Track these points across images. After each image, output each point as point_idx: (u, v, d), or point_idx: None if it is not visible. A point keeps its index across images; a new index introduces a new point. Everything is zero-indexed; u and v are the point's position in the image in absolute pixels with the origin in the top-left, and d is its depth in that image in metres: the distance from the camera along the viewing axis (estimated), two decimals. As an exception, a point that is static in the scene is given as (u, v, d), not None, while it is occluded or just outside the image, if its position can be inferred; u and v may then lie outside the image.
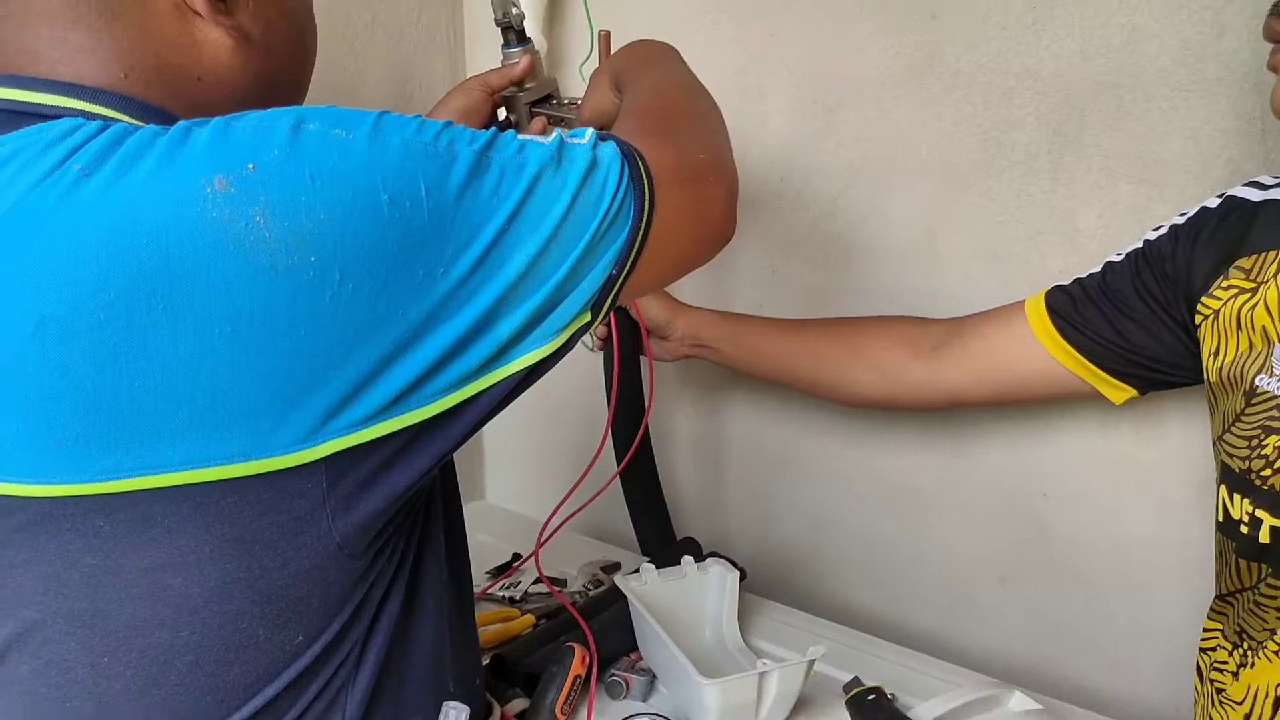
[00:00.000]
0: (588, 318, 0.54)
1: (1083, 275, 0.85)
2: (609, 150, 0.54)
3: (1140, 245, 0.81)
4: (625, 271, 0.54)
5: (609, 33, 0.97)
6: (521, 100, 0.95)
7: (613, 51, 1.00)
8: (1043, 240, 0.96)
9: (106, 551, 0.45)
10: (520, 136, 0.52)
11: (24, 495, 0.44)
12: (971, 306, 0.94)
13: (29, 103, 0.51)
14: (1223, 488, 0.74)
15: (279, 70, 0.60)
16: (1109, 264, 0.83)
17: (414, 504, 0.59)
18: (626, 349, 1.05)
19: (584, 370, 1.15)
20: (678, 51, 0.82)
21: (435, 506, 0.63)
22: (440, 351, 0.48)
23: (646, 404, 1.06)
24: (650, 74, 0.77)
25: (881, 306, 1.08)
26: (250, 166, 0.44)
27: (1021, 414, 1.01)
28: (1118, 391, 0.83)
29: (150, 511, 0.45)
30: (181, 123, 0.46)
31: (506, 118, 0.96)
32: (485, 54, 1.38)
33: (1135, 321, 0.80)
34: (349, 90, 1.23)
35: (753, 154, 1.15)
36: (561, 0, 1.27)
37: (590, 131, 0.55)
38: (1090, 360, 0.82)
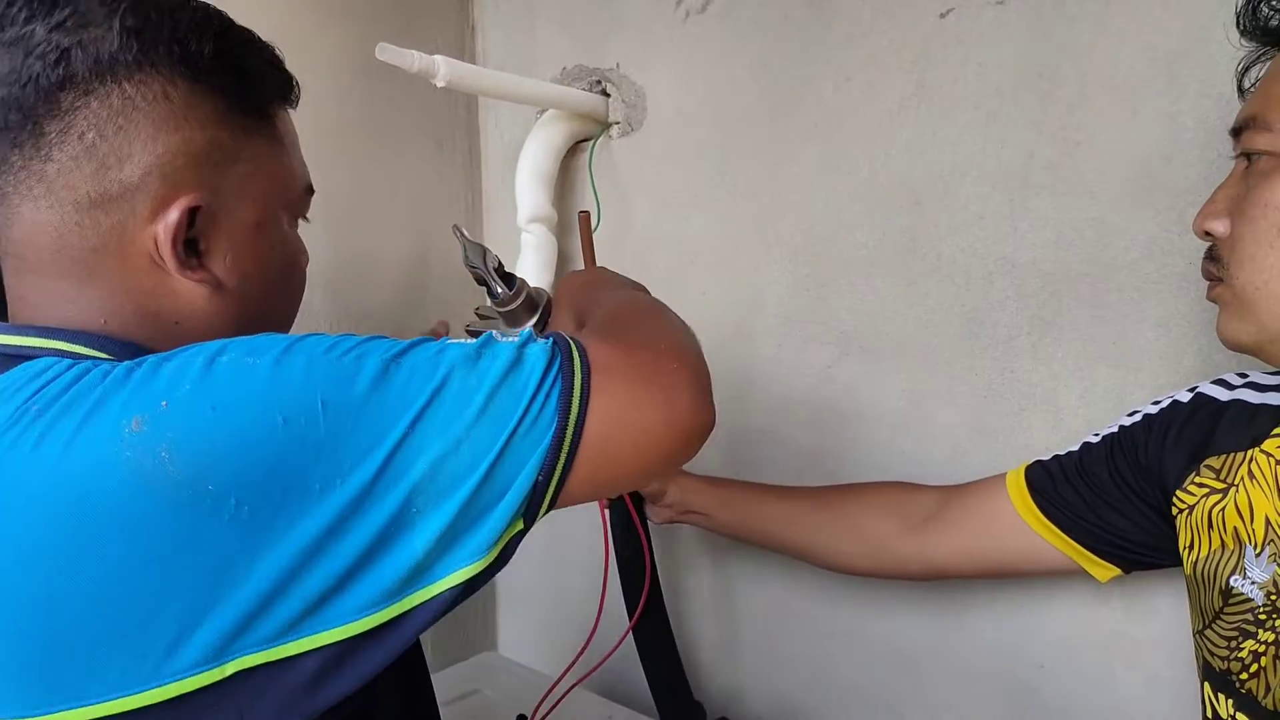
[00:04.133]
0: (520, 526, 0.51)
1: (1061, 453, 0.87)
2: (538, 348, 0.52)
3: (1115, 430, 0.84)
4: (559, 475, 0.50)
5: (589, 213, 1.03)
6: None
7: (592, 227, 1.05)
8: (1026, 416, 0.99)
9: None
10: (451, 340, 0.52)
11: None
12: (961, 475, 0.97)
13: (17, 345, 0.54)
14: (1206, 685, 0.75)
15: (257, 312, 0.62)
16: (1086, 445, 0.86)
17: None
18: (622, 512, 1.08)
19: (594, 519, 1.18)
20: (614, 273, 0.85)
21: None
22: (347, 564, 0.47)
23: (647, 565, 1.08)
24: (607, 295, 0.76)
25: (874, 471, 1.10)
26: (163, 404, 0.45)
27: (1015, 584, 1.02)
28: (1102, 570, 0.85)
29: None
30: (128, 362, 0.49)
31: None
32: (503, 222, 1.47)
33: (1111, 505, 0.82)
34: (370, 262, 1.30)
35: (750, 320, 1.21)
36: (570, 174, 1.36)
37: (529, 330, 0.54)
38: (1072, 538, 0.84)
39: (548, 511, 0.52)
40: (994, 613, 1.05)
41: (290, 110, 0.65)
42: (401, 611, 0.49)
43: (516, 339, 0.52)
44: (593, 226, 1.32)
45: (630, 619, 1.09)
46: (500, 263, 0.89)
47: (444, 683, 1.26)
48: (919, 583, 1.09)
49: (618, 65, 1.30)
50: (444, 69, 1.05)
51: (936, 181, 1.03)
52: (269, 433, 0.46)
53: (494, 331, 0.54)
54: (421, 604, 0.49)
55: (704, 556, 1.30)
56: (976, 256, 1.01)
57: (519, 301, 0.89)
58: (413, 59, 1.02)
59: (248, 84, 0.59)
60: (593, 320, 0.69)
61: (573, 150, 1.34)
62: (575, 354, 0.52)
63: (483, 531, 0.49)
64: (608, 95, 1.31)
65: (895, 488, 1.00)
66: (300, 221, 0.68)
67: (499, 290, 0.88)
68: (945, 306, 1.04)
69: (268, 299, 0.63)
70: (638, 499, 1.09)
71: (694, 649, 1.33)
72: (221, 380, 0.47)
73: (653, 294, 0.80)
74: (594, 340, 0.54)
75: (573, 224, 1.36)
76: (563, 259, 1.34)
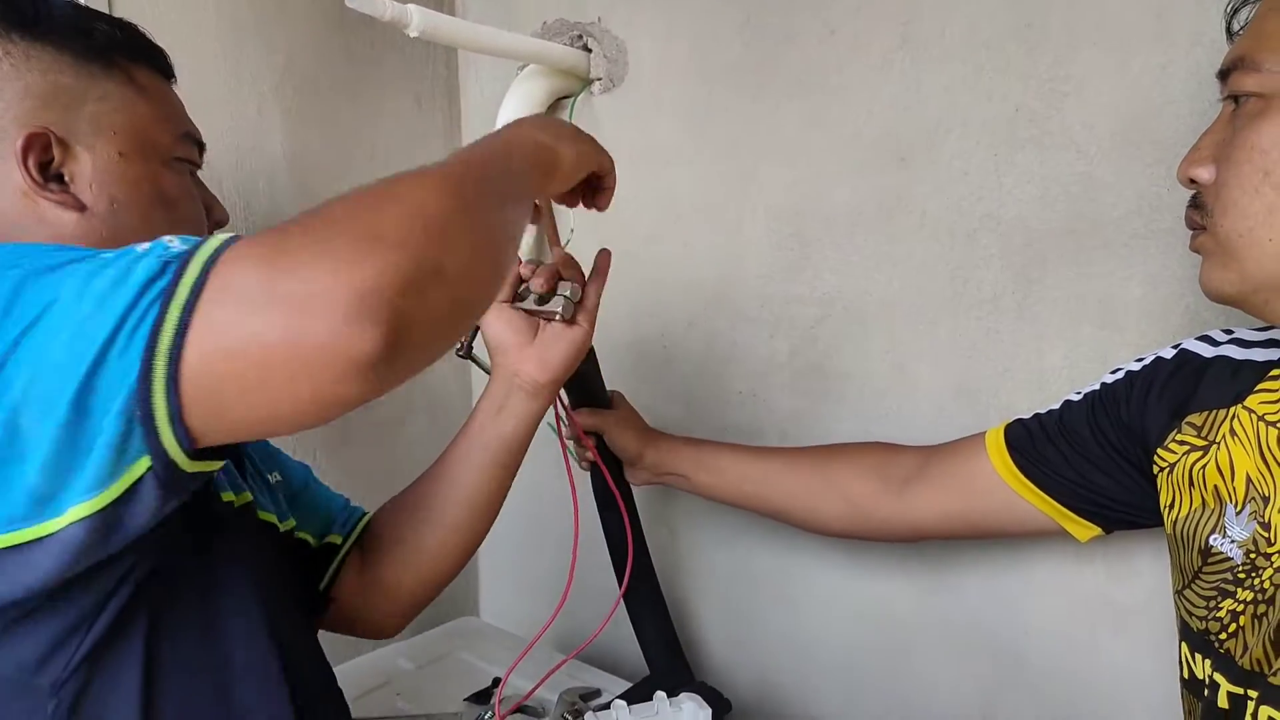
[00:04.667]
0: (146, 465, 0.46)
1: (1042, 411, 0.86)
2: (148, 262, 0.46)
3: (1098, 387, 0.82)
4: (166, 410, 0.45)
5: None
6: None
7: None
8: (1011, 377, 0.97)
9: None
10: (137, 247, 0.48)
11: None
12: (945, 436, 0.95)
13: None
14: (1184, 645, 0.73)
15: (131, 238, 0.58)
16: (1067, 403, 0.84)
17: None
18: (598, 477, 1.07)
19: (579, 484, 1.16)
20: (565, 136, 0.69)
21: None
22: None
23: (627, 527, 1.06)
24: (468, 148, 0.63)
25: (857, 433, 1.09)
26: None
27: (999, 548, 1.01)
28: (1082, 529, 0.84)
29: None
30: None
31: None
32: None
33: (1093, 463, 0.81)
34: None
35: (733, 280, 1.19)
36: (552, 131, 1.33)
37: (176, 239, 0.48)
38: (1052, 497, 0.83)
39: (196, 451, 0.47)
40: (978, 578, 1.03)
41: (166, 78, 0.71)
42: (32, 538, 0.46)
43: (152, 250, 0.47)
44: (574, 185, 1.30)
45: (620, 581, 1.08)
46: None
47: (422, 646, 1.26)
48: (903, 549, 1.08)
49: (599, 19, 1.27)
50: (417, 18, 1.02)
51: (921, 137, 1.00)
52: None
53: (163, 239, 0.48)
54: (51, 535, 0.46)
55: (687, 520, 1.29)
56: (961, 214, 0.99)
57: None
58: (384, 7, 0.99)
59: (86, 37, 0.65)
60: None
61: (554, 106, 1.31)
62: (197, 268, 0.45)
63: (91, 466, 0.45)
64: (589, 50, 1.28)
65: (876, 448, 0.98)
66: (193, 170, 0.72)
67: None
68: (929, 265, 1.02)
69: (143, 230, 0.65)
70: (615, 462, 1.07)
71: (680, 615, 1.31)
72: None
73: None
74: (247, 245, 0.46)
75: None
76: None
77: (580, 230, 1.31)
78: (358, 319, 0.43)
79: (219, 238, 0.47)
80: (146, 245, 0.48)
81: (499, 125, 1.24)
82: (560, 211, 1.31)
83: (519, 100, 1.25)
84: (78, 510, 0.46)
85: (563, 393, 0.97)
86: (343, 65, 1.26)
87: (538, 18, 1.33)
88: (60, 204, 0.62)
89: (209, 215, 0.73)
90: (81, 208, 0.62)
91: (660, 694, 0.96)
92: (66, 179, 0.63)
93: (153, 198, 0.66)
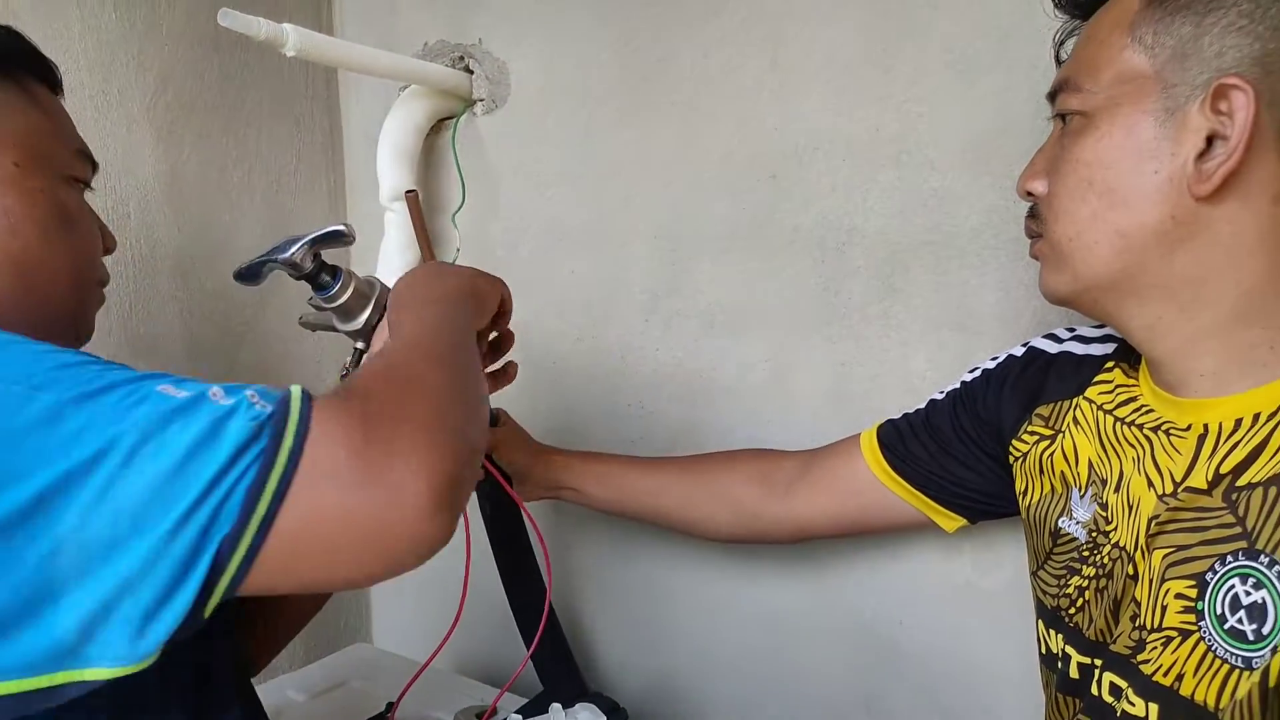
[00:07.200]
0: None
1: (910, 411, 0.91)
2: (241, 423, 0.45)
3: (958, 386, 0.88)
4: (234, 572, 0.45)
5: (416, 193, 1.00)
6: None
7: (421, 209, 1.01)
8: (881, 382, 1.03)
9: None
10: (161, 389, 0.46)
11: None
12: (822, 441, 0.99)
13: None
14: (1040, 622, 0.79)
15: (26, 252, 0.62)
16: (932, 401, 0.90)
17: None
18: (492, 493, 1.07)
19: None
20: (446, 273, 0.76)
21: None
22: None
23: (532, 530, 1.06)
24: (413, 317, 0.66)
25: (743, 441, 1.12)
26: None
27: (875, 547, 1.06)
28: (949, 520, 0.89)
29: None
30: None
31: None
32: (367, 201, 1.43)
33: (955, 457, 0.86)
34: (225, 242, 1.25)
35: (618, 297, 1.21)
36: (435, 153, 1.33)
37: (255, 389, 0.48)
38: (920, 491, 0.88)
39: (211, 609, 0.46)
40: (857, 576, 1.08)
41: (54, 92, 0.69)
42: (36, 688, 0.43)
43: (231, 400, 0.47)
44: (460, 206, 1.31)
45: (505, 591, 1.08)
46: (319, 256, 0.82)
47: (312, 676, 1.23)
48: (786, 553, 1.12)
49: (480, 41, 1.28)
50: (293, 38, 1.01)
51: (790, 156, 1.05)
52: None
53: (209, 388, 0.47)
54: (57, 687, 0.44)
55: (580, 534, 1.30)
56: (830, 228, 1.04)
57: (347, 295, 0.85)
58: (259, 26, 0.98)
59: None
60: (369, 366, 0.57)
61: (438, 127, 1.32)
62: (290, 434, 0.46)
63: (152, 629, 0.44)
64: (471, 71, 1.29)
65: (759, 455, 1.02)
66: (88, 194, 0.70)
67: (327, 280, 0.82)
68: (801, 278, 1.07)
69: (46, 243, 0.63)
70: (503, 478, 1.07)
71: (574, 628, 1.32)
72: None
73: (481, 292, 0.76)
74: (332, 410, 0.48)
75: (437, 202, 1.34)
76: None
77: (466, 250, 1.32)
78: (439, 509, 0.48)
79: (297, 395, 0.48)
80: (223, 394, 0.47)
81: (382, 146, 1.24)
82: (446, 231, 1.32)
83: (400, 122, 1.26)
84: (100, 672, 0.43)
85: None
86: (219, 85, 1.24)
87: (419, 39, 1.34)
88: None
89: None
90: None
91: (555, 706, 0.97)
92: None
93: (50, 212, 0.64)
